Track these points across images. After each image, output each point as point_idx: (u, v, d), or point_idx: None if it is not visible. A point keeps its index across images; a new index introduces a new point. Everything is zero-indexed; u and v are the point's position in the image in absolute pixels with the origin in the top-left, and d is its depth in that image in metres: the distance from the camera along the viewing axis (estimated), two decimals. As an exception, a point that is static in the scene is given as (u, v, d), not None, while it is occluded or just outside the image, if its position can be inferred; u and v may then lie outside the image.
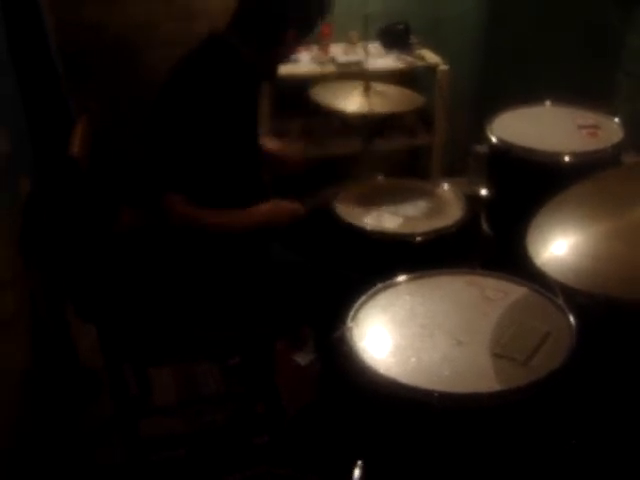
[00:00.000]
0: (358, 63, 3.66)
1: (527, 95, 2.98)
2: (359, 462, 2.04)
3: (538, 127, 2.83)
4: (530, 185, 2.58)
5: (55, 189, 2.64)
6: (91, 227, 2.26)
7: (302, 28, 2.37)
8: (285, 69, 3.66)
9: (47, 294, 2.61)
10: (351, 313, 1.94)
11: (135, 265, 2.47)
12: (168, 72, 2.31)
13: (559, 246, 1.79)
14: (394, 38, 4.03)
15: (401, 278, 2.10)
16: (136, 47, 3.73)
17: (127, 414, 2.43)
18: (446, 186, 2.75)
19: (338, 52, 3.97)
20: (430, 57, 3.98)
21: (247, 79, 2.35)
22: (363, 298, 2.00)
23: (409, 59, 3.95)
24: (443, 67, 3.89)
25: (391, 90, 2.88)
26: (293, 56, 3.86)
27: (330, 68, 3.85)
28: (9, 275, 2.16)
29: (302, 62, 3.89)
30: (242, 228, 2.34)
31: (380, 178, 2.82)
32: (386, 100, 2.77)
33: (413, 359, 1.80)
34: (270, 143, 2.71)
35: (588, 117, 2.85)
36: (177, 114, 2.25)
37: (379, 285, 2.06)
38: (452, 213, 2.56)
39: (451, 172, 4.21)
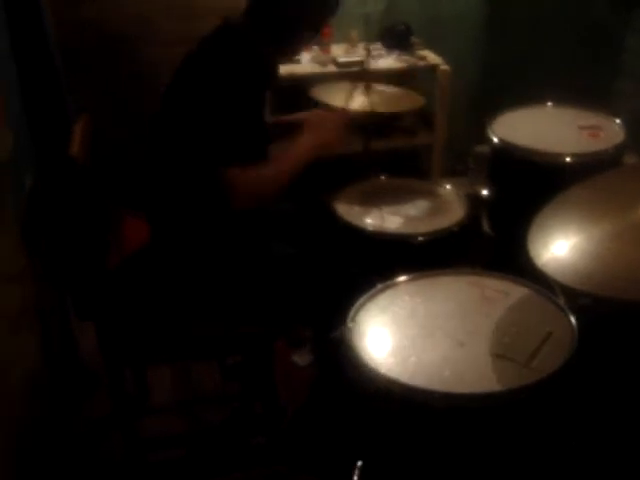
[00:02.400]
0: (359, 63, 3.66)
1: (528, 96, 2.98)
2: (358, 463, 2.03)
3: (539, 128, 2.82)
4: (531, 186, 2.58)
5: (55, 188, 2.64)
6: (91, 226, 2.25)
7: (315, 30, 2.36)
8: (285, 69, 3.69)
9: (50, 292, 2.61)
10: (351, 313, 1.93)
11: (134, 265, 2.46)
12: (183, 59, 2.29)
13: (560, 247, 1.79)
14: (395, 38, 4.03)
15: (402, 278, 2.09)
16: (136, 44, 3.73)
17: (125, 413, 2.43)
18: (447, 186, 2.75)
19: (339, 52, 3.97)
20: (431, 57, 3.98)
21: (258, 72, 2.33)
22: (363, 298, 2.00)
23: (410, 59, 3.95)
24: (444, 67, 3.89)
25: (392, 90, 2.88)
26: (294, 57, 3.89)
27: (331, 68, 3.86)
28: (16, 270, 2.16)
29: (303, 62, 3.89)
30: (296, 172, 2.31)
31: (381, 178, 2.82)
32: (387, 100, 2.77)
33: (413, 359, 1.79)
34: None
35: (589, 118, 2.85)
36: (197, 98, 2.21)
37: (379, 285, 2.06)
38: (453, 213, 2.56)
39: (452, 172, 4.21)
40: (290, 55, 2.49)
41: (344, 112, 2.55)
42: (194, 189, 2.26)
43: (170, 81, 2.27)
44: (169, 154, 2.28)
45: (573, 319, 1.86)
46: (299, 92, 3.08)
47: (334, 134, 2.44)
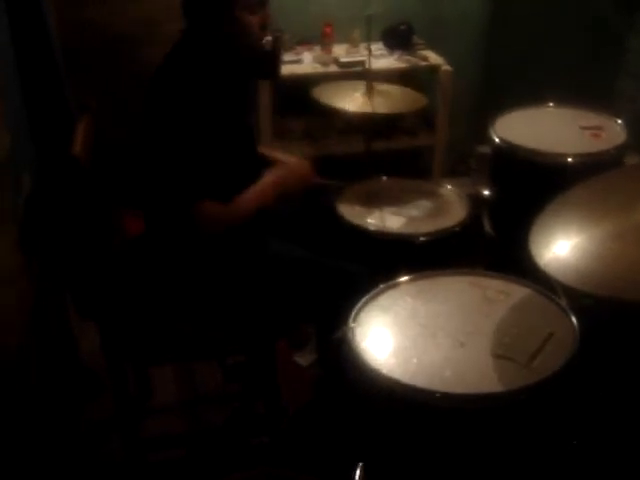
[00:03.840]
0: (361, 63, 3.66)
1: (530, 96, 2.98)
2: (359, 463, 2.03)
3: (541, 128, 2.82)
4: (533, 186, 2.58)
5: (57, 188, 2.63)
6: (93, 226, 2.25)
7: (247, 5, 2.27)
8: (287, 69, 3.69)
9: (49, 292, 2.61)
10: (353, 313, 1.93)
11: (136, 264, 2.46)
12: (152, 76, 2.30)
13: (562, 247, 1.79)
14: (397, 39, 4.04)
15: (403, 279, 2.09)
16: (137, 45, 3.72)
17: (127, 414, 2.43)
18: (449, 186, 2.75)
19: (340, 52, 3.97)
20: (433, 58, 3.98)
21: (222, 69, 2.32)
22: (365, 298, 2.00)
23: (412, 59, 3.96)
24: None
25: (393, 90, 2.88)
26: (295, 56, 3.89)
27: (332, 68, 3.86)
28: (13, 270, 2.15)
29: (304, 62, 3.89)
30: (259, 207, 2.32)
31: (382, 178, 2.82)
32: (388, 100, 2.77)
33: (415, 360, 1.79)
34: (270, 151, 2.71)
35: (591, 118, 2.85)
36: (173, 121, 2.20)
37: (381, 286, 2.05)
38: (455, 213, 2.56)
39: (453, 172, 4.21)
40: (246, 36, 2.30)
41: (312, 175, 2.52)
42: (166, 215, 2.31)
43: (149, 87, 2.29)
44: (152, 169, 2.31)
45: (574, 319, 1.86)
46: (301, 92, 3.08)
47: (300, 183, 2.45)
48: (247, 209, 2.30)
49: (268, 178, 2.37)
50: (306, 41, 4.02)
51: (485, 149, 2.98)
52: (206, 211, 2.20)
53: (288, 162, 2.47)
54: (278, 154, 2.67)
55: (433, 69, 3.95)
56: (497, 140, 2.71)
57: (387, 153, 3.71)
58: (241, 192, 2.32)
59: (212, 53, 2.28)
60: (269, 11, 2.34)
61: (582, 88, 3.32)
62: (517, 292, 2.03)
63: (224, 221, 2.26)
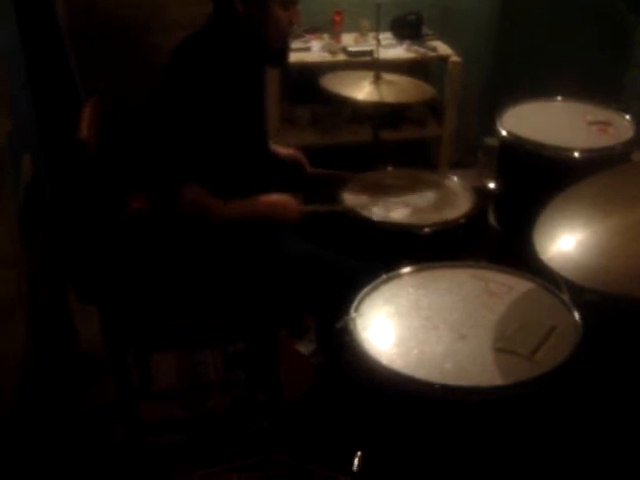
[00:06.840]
0: (369, 52, 3.66)
1: (538, 89, 2.96)
2: (358, 453, 2.04)
3: (548, 122, 2.81)
4: (539, 180, 2.57)
5: (62, 171, 2.63)
6: (97, 210, 2.25)
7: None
8: (296, 57, 3.68)
9: (48, 276, 2.61)
10: (355, 303, 1.93)
11: (139, 250, 2.46)
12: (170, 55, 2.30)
13: (566, 242, 1.78)
14: (406, 28, 4.03)
15: (406, 270, 2.09)
16: (144, 28, 3.72)
17: (128, 399, 2.43)
18: (455, 178, 2.74)
19: (349, 41, 3.96)
20: (442, 48, 3.97)
21: (246, 57, 2.33)
22: (367, 289, 2.00)
23: (420, 50, 3.95)
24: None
25: (402, 80, 2.87)
26: (304, 44, 3.88)
27: (341, 57, 3.85)
28: (12, 255, 2.15)
29: (313, 50, 3.89)
30: (241, 219, 2.34)
31: (389, 169, 2.81)
32: (396, 90, 2.76)
33: (416, 351, 1.79)
34: (280, 149, 2.71)
35: (599, 113, 2.83)
36: (180, 100, 2.23)
37: (384, 276, 2.05)
38: (460, 205, 2.55)
39: (460, 164, 4.20)
40: (276, 28, 2.32)
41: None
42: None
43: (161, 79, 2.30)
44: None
45: (577, 315, 1.86)
46: (309, 80, 3.08)
47: (292, 217, 2.43)
48: (229, 214, 2.30)
49: (263, 200, 2.39)
50: (315, 29, 4.01)
51: (493, 141, 2.98)
52: (189, 193, 2.22)
53: (281, 198, 2.45)
54: (279, 148, 2.69)
55: (442, 60, 3.94)
56: (504, 133, 2.70)
57: (394, 143, 3.71)
58: (250, 187, 2.33)
59: (237, 41, 2.28)
60: (299, 9, 2.35)
61: (591, 82, 3.31)
62: (520, 286, 2.02)
63: (202, 211, 2.26)
